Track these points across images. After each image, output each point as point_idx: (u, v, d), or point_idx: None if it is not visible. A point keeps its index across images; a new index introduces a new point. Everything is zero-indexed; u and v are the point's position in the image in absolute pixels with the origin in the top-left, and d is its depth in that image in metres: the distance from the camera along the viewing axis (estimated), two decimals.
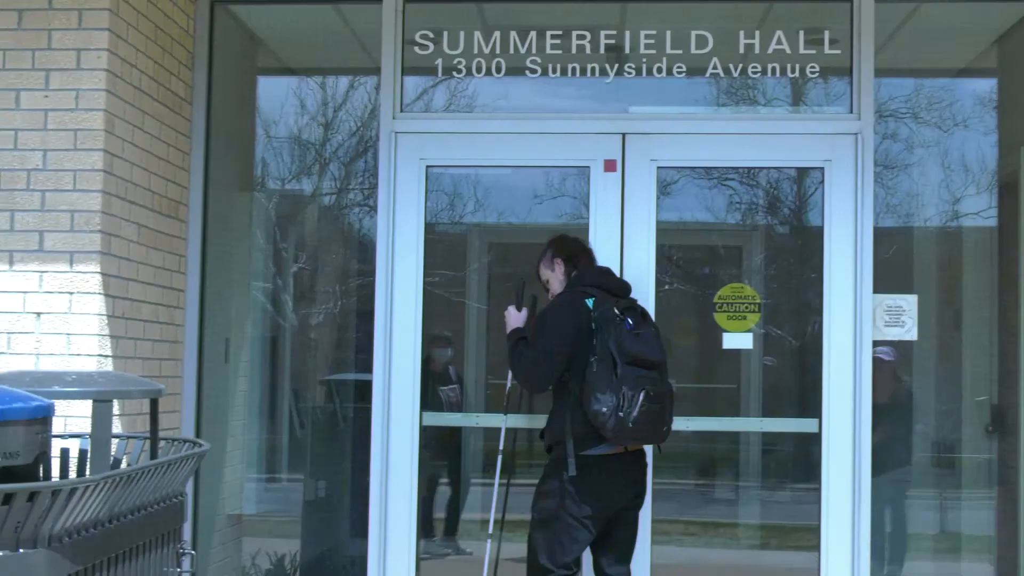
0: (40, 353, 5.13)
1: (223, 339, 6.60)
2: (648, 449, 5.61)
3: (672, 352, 6.47)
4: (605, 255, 5.99)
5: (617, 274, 5.80)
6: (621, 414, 5.04)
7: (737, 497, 7.08)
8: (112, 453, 3.91)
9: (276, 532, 7.15)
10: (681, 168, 6.46)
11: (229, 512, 6.77)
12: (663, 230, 6.27)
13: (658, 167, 6.18)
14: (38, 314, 5.15)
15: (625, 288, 5.56)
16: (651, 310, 6.06)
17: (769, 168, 6.55)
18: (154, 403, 4.05)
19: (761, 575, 6.80)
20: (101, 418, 3.54)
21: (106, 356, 5.21)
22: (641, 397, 5.05)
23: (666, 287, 6.48)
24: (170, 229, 5.99)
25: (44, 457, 3.35)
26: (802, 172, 6.53)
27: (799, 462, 6.64)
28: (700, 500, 7.13)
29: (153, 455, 4.02)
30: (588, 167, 6.17)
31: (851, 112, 6.18)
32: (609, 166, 6.09)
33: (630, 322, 5.25)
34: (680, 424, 6.23)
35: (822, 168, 6.15)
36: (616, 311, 5.26)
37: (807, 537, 6.27)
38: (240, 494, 6.88)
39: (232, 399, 6.76)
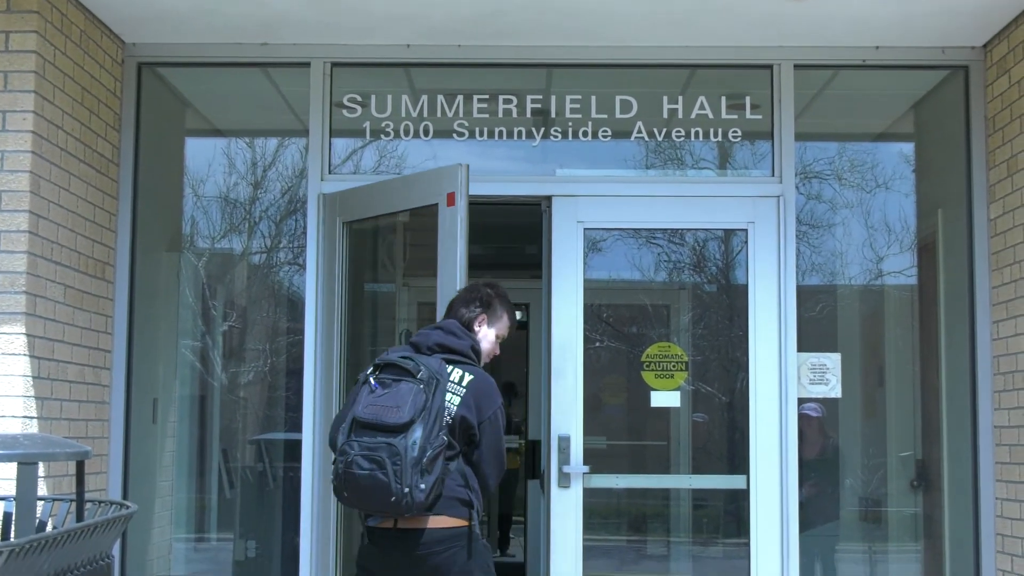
0: None
1: (151, 399, 6.57)
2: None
3: (602, 409, 6.53)
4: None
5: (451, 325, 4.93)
6: (337, 483, 4.53)
7: (669, 553, 7.09)
8: (38, 516, 3.88)
9: None
10: (610, 230, 6.54)
11: (158, 574, 6.69)
12: (591, 289, 6.33)
13: (585, 228, 6.27)
14: None
15: (426, 343, 4.81)
16: (579, 368, 6.11)
17: (694, 230, 6.63)
18: (80, 465, 4.02)
19: None
20: (26, 481, 3.50)
21: (31, 418, 5.17)
22: (342, 467, 4.49)
23: (596, 344, 6.53)
24: (97, 290, 5.96)
25: None
26: (728, 232, 6.62)
27: (729, 517, 6.69)
28: (633, 556, 7.13)
29: (79, 517, 3.98)
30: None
31: (773, 175, 6.32)
32: (450, 200, 5.64)
33: (373, 383, 4.60)
34: (610, 481, 6.31)
35: (746, 229, 6.28)
36: (368, 371, 4.67)
37: None
38: (169, 555, 6.80)
39: (160, 459, 6.71)
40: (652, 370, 6.34)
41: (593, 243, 6.45)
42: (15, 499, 3.55)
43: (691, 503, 6.86)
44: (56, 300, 5.47)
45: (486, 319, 4.90)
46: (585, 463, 6.12)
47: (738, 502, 6.34)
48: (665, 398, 6.39)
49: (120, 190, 6.23)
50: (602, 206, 6.32)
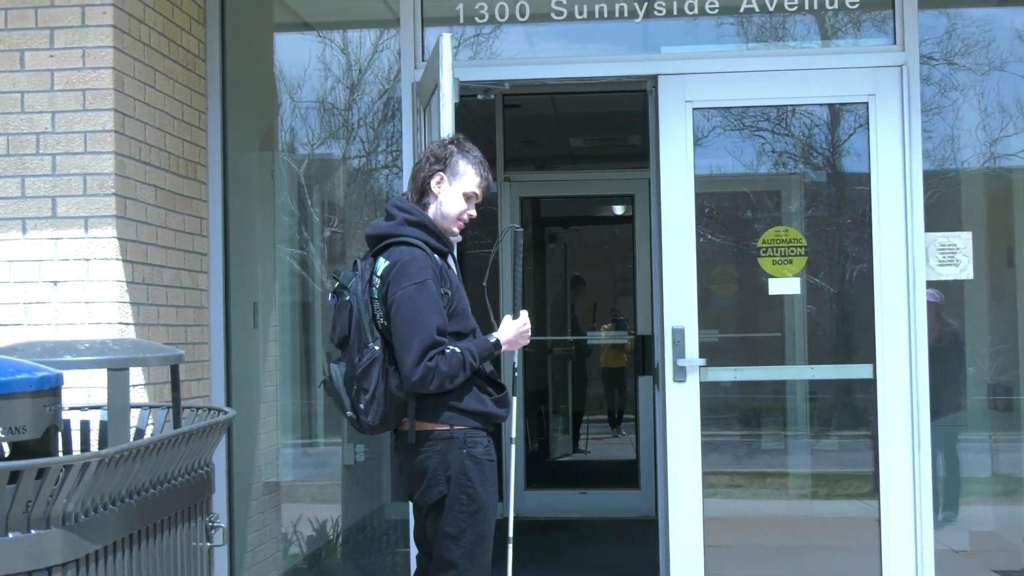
0: (59, 323, 5.00)
1: (250, 303, 6.48)
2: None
3: (712, 301, 6.29)
4: None
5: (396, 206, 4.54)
6: None
7: (786, 447, 6.92)
8: (135, 424, 3.76)
9: (316, 498, 7.12)
10: (719, 108, 6.24)
11: (266, 480, 6.68)
12: (701, 178, 6.07)
13: (693, 108, 6.03)
14: (55, 283, 5.01)
15: (367, 239, 4.54)
16: (692, 255, 5.87)
17: (810, 104, 6.33)
18: (175, 370, 3.89)
19: (819, 525, 6.66)
20: (117, 387, 3.39)
21: (127, 324, 5.07)
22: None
23: (708, 236, 6.28)
24: (189, 191, 5.83)
25: (54, 431, 3.20)
26: (847, 112, 6.30)
27: (853, 410, 6.49)
28: (748, 451, 6.97)
29: (176, 424, 3.86)
30: None
31: (895, 43, 6.02)
32: None
33: (331, 299, 4.44)
34: (728, 374, 6.12)
35: (866, 103, 5.98)
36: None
37: (857, 484, 6.23)
38: (276, 461, 6.80)
39: (263, 364, 6.64)
40: (769, 256, 6.08)
41: (702, 132, 6.17)
42: (107, 407, 3.43)
43: (807, 395, 6.64)
44: (147, 202, 5.34)
45: (444, 177, 4.48)
46: (699, 357, 5.93)
47: (863, 393, 6.11)
48: (784, 285, 6.13)
49: (208, 87, 6.07)
50: (711, 83, 6.05)
